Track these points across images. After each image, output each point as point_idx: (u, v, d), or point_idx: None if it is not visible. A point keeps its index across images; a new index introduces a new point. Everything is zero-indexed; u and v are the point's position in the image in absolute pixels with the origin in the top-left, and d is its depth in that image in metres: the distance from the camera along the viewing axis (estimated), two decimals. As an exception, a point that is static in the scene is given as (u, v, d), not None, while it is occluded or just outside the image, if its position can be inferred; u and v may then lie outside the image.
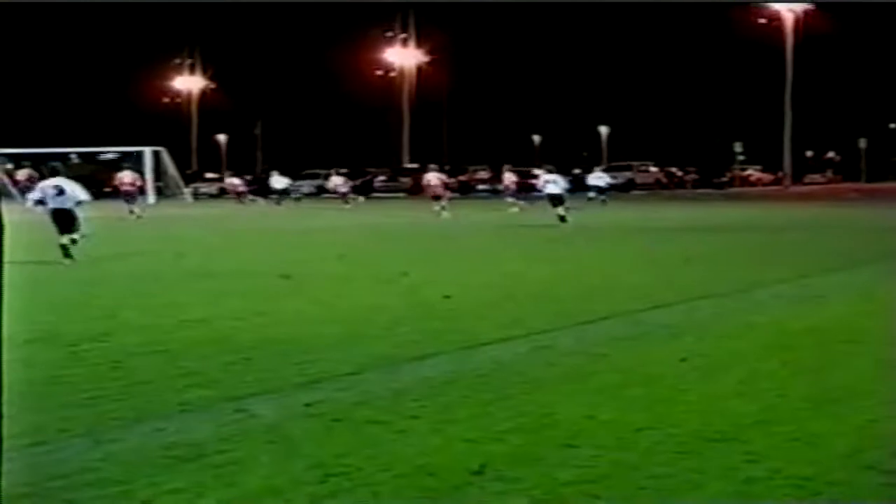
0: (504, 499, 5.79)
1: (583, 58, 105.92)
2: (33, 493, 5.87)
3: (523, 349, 10.44)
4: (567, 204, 33.96)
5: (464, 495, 5.86)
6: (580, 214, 38.19)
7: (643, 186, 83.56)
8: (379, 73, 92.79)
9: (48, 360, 9.92)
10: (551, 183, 34.64)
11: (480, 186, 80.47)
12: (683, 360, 9.59)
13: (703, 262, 20.44)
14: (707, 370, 9.21)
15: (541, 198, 36.89)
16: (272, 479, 6.09)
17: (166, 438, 6.99)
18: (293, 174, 75.06)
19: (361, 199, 63.73)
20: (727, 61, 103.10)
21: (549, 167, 38.24)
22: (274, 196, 64.62)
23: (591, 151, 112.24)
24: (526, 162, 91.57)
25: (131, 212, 44.38)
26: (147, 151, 66.03)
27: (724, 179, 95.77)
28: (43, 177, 24.55)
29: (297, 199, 65.80)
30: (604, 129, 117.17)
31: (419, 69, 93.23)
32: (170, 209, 54.27)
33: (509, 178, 52.50)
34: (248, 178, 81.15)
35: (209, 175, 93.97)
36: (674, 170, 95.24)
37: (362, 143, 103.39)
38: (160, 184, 69.34)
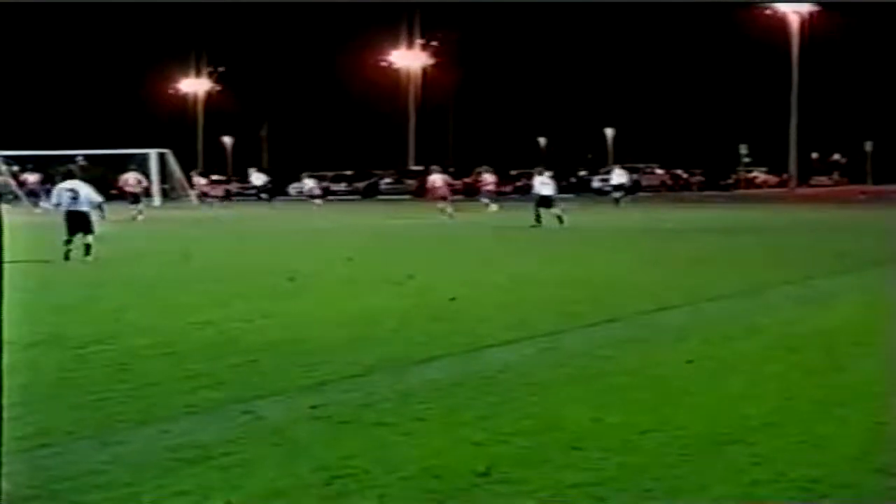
0: (510, 501, 5.80)
1: (588, 60, 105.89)
2: (40, 494, 5.88)
3: (529, 351, 10.44)
4: (563, 205, 34.11)
5: (470, 497, 5.86)
6: (586, 216, 38.20)
7: (649, 188, 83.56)
8: (386, 74, 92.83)
9: (55, 362, 9.94)
10: (545, 185, 34.51)
11: (486, 188, 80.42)
12: (690, 361, 9.59)
13: (709, 263, 20.43)
14: (713, 372, 9.20)
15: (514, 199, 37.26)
16: (278, 481, 6.09)
17: (172, 440, 6.99)
18: (296, 177, 75.39)
19: (320, 202, 64.09)
20: (732, 63, 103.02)
21: (541, 168, 38.56)
22: (254, 193, 65.76)
23: (596, 154, 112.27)
24: (532, 164, 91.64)
25: (136, 213, 44.40)
26: (152, 154, 66.08)
27: (730, 182, 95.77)
28: (53, 180, 24.70)
29: (268, 200, 66.30)
30: (609, 132, 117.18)
31: (425, 71, 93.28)
32: (175, 211, 54.31)
33: (488, 178, 54.32)
34: (218, 178, 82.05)
35: (214, 177, 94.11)
36: (679, 172, 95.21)
37: (368, 144, 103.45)
38: (166, 186, 69.42)
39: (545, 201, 33.63)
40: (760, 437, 6.93)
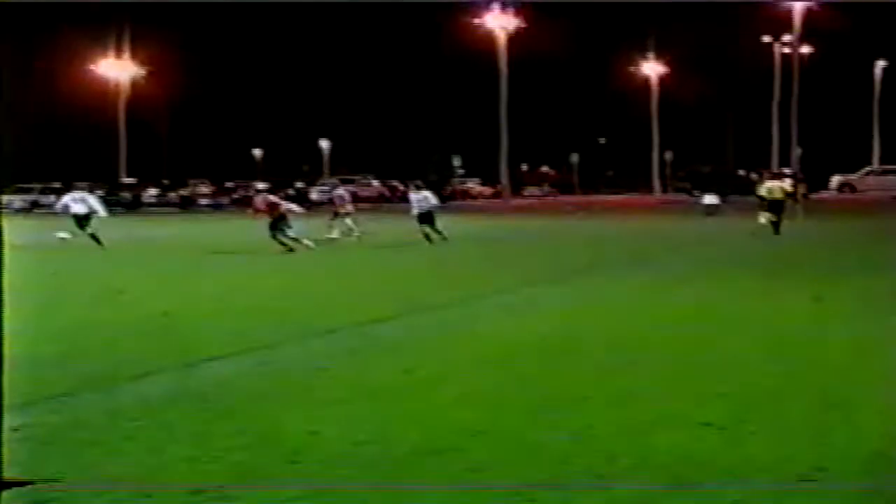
0: (225, 519, 5.68)
1: (303, 71, 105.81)
2: None
3: (247, 364, 10.30)
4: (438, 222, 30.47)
5: (184, 517, 5.72)
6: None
7: (366, 200, 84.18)
8: (93, 83, 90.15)
9: None
10: (423, 200, 31.09)
11: (203, 200, 79.26)
12: (407, 372, 9.65)
13: (426, 274, 20.71)
14: (429, 382, 9.29)
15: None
16: (-22, 508, 5.79)
17: None
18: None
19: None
20: (445, 76, 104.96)
21: (419, 183, 35.11)
22: None
23: (312, 165, 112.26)
24: (248, 176, 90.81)
25: None
26: None
27: (445, 193, 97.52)
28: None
29: None
30: (325, 143, 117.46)
31: (134, 81, 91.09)
32: None
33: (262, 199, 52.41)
34: None
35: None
36: (396, 183, 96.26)
37: (76, 156, 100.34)
38: None
39: (427, 217, 30.44)
40: (475, 445, 7.03)
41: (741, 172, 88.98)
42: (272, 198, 28.82)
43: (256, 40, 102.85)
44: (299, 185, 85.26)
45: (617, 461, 6.62)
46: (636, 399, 8.40)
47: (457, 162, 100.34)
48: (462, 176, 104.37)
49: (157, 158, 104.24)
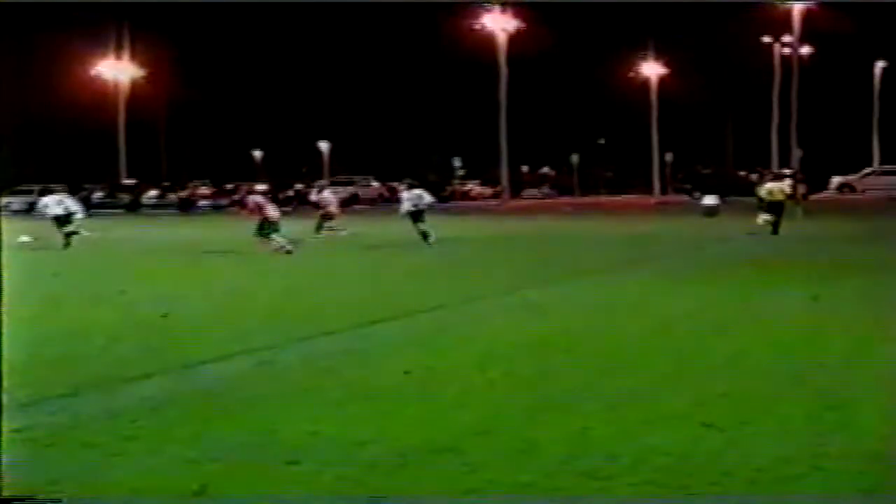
0: (225, 519, 5.69)
1: (303, 73, 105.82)
2: None
3: (246, 366, 10.31)
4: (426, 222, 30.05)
5: (183, 518, 5.73)
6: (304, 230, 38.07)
7: (366, 201, 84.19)
8: (93, 85, 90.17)
9: None
10: (416, 198, 30.64)
11: (202, 202, 79.27)
12: (407, 373, 9.66)
13: (425, 276, 20.70)
14: (428, 383, 9.30)
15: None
16: (-23, 510, 5.80)
17: None
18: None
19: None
20: (445, 78, 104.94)
21: (410, 181, 34.74)
22: None
23: (312, 167, 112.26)
24: (248, 178, 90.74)
25: None
26: None
27: (445, 194, 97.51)
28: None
29: None
30: (324, 145, 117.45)
31: (134, 82, 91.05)
32: None
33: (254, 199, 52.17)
34: None
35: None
36: (395, 185, 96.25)
37: (77, 157, 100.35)
38: None
39: (417, 216, 30.09)
40: (473, 445, 7.04)
41: (741, 173, 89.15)
42: (259, 199, 28.86)
43: (256, 41, 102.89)
44: (298, 186, 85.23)
45: (617, 461, 6.63)
46: (635, 399, 8.41)
47: (457, 163, 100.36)
48: (462, 177, 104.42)
49: (157, 160, 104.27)
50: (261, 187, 66.86)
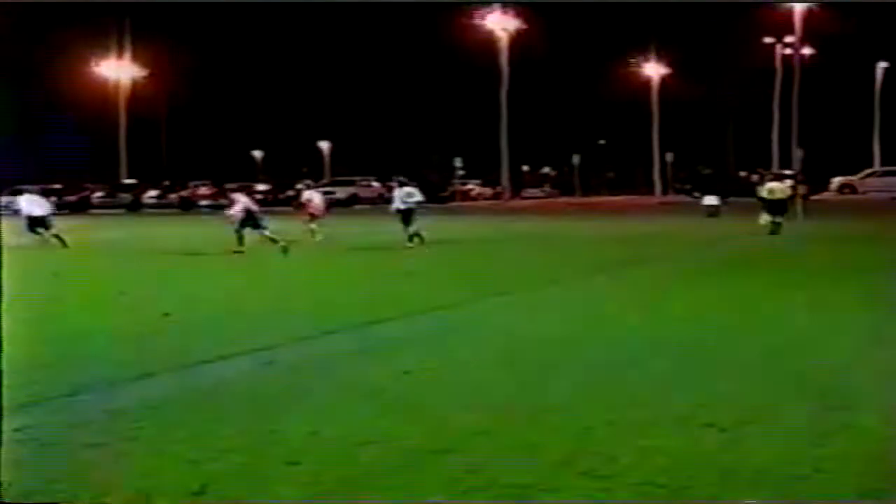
0: (226, 520, 5.69)
1: (303, 72, 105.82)
2: None
3: (246, 366, 10.30)
4: (419, 222, 29.70)
5: (184, 518, 5.72)
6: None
7: (366, 201, 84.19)
8: (93, 84, 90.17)
9: None
10: (407, 196, 29.91)
11: (203, 202, 79.27)
12: (407, 373, 9.65)
13: (426, 275, 20.68)
14: (429, 383, 9.29)
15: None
16: (-22, 510, 5.79)
17: None
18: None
19: None
20: (445, 78, 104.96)
21: (402, 179, 32.99)
22: None
23: (312, 167, 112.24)
24: (249, 177, 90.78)
25: None
26: None
27: (446, 194, 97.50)
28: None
29: None
30: (325, 145, 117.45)
31: (135, 81, 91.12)
32: None
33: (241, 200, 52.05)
34: None
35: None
36: (395, 185, 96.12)
37: (77, 157, 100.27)
38: None
39: (407, 215, 29.42)
40: (474, 445, 7.04)
41: (742, 174, 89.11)
42: (243, 197, 28.95)
43: (257, 41, 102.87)
44: (299, 186, 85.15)
45: (617, 462, 6.63)
46: (636, 400, 8.41)
47: (458, 163, 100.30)
48: (463, 177, 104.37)
49: (158, 159, 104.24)
50: (262, 187, 66.70)
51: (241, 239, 26.82)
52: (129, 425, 7.70)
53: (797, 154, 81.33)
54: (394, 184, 33.71)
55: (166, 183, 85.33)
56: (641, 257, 24.69)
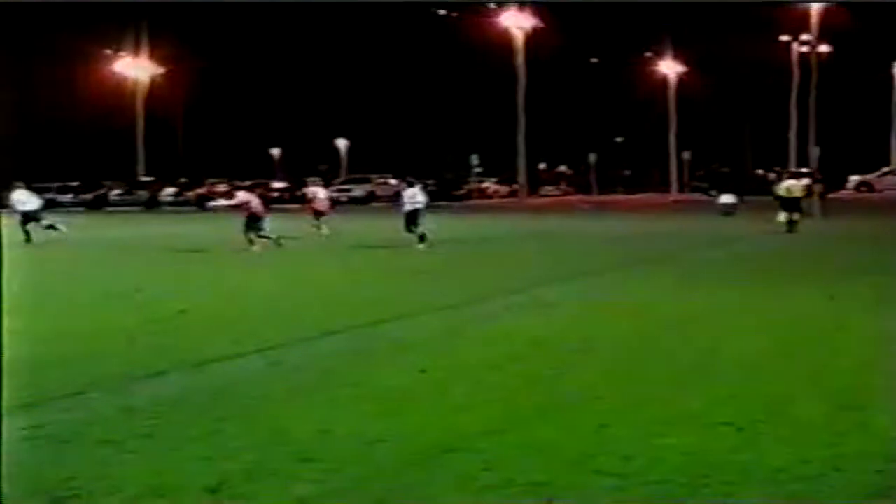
0: (239, 517, 5.69)
1: (320, 70, 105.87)
2: None
3: (258, 364, 10.31)
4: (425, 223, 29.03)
5: (197, 515, 5.73)
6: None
7: (383, 199, 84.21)
8: (112, 82, 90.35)
9: None
10: (412, 197, 29.64)
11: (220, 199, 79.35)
12: (423, 371, 9.64)
13: (436, 274, 20.63)
14: (439, 382, 9.27)
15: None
16: (-7, 506, 5.80)
17: None
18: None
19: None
20: (463, 75, 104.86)
21: (410, 179, 32.72)
22: None
23: (330, 164, 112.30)
24: (266, 175, 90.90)
25: None
26: None
27: (462, 192, 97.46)
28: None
29: None
30: (342, 142, 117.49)
31: (153, 79, 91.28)
32: None
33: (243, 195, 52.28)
34: None
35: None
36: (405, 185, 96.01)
37: (95, 155, 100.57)
38: None
39: (412, 216, 28.85)
40: (487, 444, 7.02)
41: (759, 172, 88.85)
42: (243, 195, 29.07)
43: (274, 39, 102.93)
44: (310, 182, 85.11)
45: (632, 461, 6.61)
46: (650, 399, 8.39)
47: (475, 161, 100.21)
48: (480, 175, 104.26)
49: (175, 157, 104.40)
50: (279, 185, 66.71)
51: (251, 240, 26.86)
52: (144, 422, 7.71)
53: (814, 152, 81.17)
54: (403, 184, 33.71)
55: (183, 181, 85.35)
56: (656, 255, 24.65)
